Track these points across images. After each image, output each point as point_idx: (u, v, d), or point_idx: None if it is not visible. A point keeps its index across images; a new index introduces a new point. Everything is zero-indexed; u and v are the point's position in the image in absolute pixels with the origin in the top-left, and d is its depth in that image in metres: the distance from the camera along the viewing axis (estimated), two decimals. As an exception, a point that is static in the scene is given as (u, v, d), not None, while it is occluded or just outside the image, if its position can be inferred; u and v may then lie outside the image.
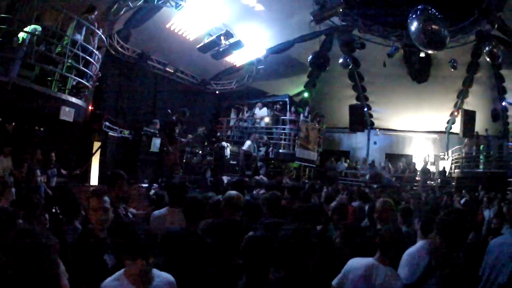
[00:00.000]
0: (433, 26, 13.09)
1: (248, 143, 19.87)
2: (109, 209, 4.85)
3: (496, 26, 17.91)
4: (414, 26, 13.45)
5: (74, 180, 12.32)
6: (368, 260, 4.69)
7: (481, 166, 24.29)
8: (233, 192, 6.57)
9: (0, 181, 6.42)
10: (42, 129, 13.53)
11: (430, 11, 13.20)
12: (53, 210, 6.22)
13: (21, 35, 11.21)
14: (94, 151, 13.93)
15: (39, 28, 11.42)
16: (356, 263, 4.69)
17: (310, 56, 20.98)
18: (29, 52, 10.97)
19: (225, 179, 12.65)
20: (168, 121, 14.62)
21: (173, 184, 7.36)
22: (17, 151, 11.76)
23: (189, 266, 4.79)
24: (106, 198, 4.88)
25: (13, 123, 12.80)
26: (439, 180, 25.68)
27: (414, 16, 13.47)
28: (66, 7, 12.15)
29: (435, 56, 20.42)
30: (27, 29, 11.26)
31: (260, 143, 20.54)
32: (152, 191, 11.71)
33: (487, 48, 18.27)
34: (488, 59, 18.84)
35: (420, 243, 5.30)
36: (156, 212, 6.80)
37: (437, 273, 4.55)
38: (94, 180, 13.72)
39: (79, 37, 12.01)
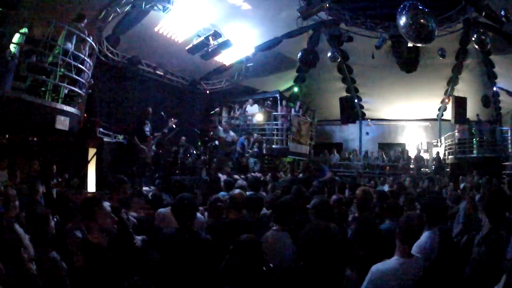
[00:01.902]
0: (422, 21, 13.22)
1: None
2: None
3: (483, 13, 18.03)
4: (402, 21, 13.56)
5: (71, 188, 12.37)
6: (395, 262, 4.51)
7: (474, 151, 24.48)
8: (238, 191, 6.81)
9: (6, 194, 6.39)
10: (35, 139, 13.55)
11: (417, 6, 13.33)
12: (55, 220, 6.25)
13: (12, 47, 11.28)
14: (89, 158, 14.00)
15: (24, 30, 11.53)
16: (383, 271, 4.42)
17: (300, 54, 21.10)
18: (21, 63, 11.07)
19: (222, 177, 12.72)
20: (136, 122, 14.79)
21: (174, 183, 7.48)
22: (12, 162, 11.83)
23: (187, 265, 4.88)
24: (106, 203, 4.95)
25: (7, 135, 12.82)
26: (433, 166, 25.87)
27: (402, 11, 13.59)
28: (55, 16, 12.24)
29: (423, 45, 20.58)
30: (14, 39, 11.35)
31: (250, 140, 20.52)
32: (150, 193, 11.89)
33: (475, 36, 18.42)
34: (476, 47, 19.00)
35: (426, 233, 5.55)
36: (161, 210, 7.03)
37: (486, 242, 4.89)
38: (91, 186, 13.78)
39: (70, 46, 12.04)
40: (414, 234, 4.67)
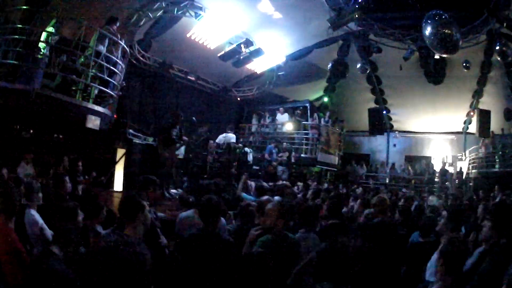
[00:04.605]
0: (446, 31, 13.32)
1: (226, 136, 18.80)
2: None
3: (504, 24, 18.00)
4: (427, 31, 13.69)
5: (98, 186, 12.62)
6: None
7: (496, 166, 23.97)
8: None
9: (29, 186, 6.52)
10: (61, 136, 13.80)
11: (442, 16, 13.44)
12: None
13: (42, 45, 11.57)
14: (118, 158, 14.27)
15: (51, 29, 11.83)
16: None
17: (330, 65, 21.32)
18: (51, 62, 11.36)
19: (251, 184, 12.82)
20: (165, 125, 14.70)
21: (199, 186, 7.62)
22: (38, 158, 12.09)
23: (208, 266, 4.89)
24: None
25: (31, 131, 13.07)
26: (456, 181, 25.59)
27: (427, 21, 13.71)
28: (85, 17, 12.55)
29: (449, 57, 20.50)
30: (42, 37, 11.66)
31: (280, 148, 20.57)
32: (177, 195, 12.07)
33: (497, 47, 18.41)
34: (499, 58, 18.95)
35: None
36: (183, 214, 7.14)
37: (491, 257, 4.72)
38: (118, 186, 14.06)
39: (102, 48, 12.28)
40: (459, 262, 4.12)
